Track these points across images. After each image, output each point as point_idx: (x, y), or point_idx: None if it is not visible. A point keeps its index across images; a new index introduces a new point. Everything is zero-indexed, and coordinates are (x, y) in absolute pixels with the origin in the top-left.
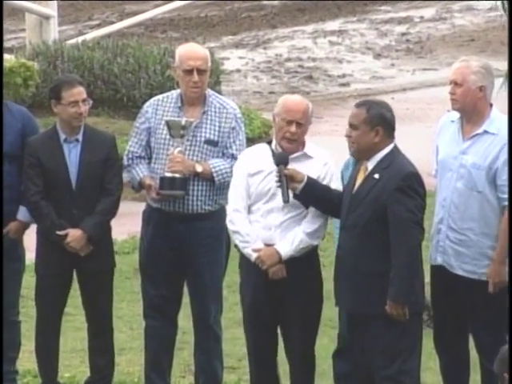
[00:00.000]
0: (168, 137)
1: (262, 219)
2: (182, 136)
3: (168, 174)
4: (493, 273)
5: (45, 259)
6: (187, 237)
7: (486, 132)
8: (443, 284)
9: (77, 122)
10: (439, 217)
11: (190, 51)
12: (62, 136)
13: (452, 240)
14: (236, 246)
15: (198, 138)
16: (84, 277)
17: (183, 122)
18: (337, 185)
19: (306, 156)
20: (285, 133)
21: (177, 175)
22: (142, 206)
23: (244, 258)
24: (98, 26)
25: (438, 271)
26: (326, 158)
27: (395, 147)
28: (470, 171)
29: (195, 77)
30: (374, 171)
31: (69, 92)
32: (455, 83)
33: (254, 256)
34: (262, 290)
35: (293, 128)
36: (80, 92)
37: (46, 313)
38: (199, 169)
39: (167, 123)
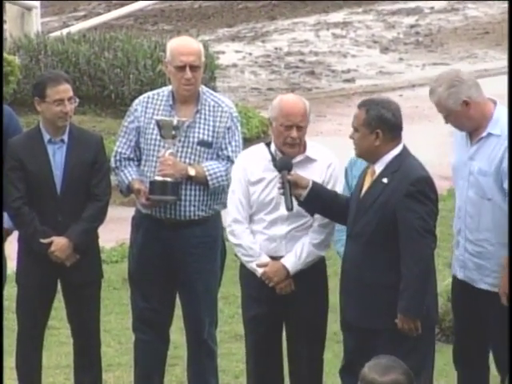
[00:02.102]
0: (158, 137)
1: (266, 231)
2: (174, 137)
3: (158, 178)
4: (504, 282)
5: (27, 268)
6: (179, 245)
7: (490, 134)
8: (466, 298)
9: (62, 121)
10: (457, 228)
11: (183, 46)
12: (46, 136)
13: (471, 252)
14: (236, 255)
15: (191, 139)
16: (69, 288)
17: (175, 122)
18: (341, 188)
19: (309, 159)
20: (285, 138)
21: (168, 179)
22: (131, 212)
23: (244, 268)
24: (84, 17)
25: (461, 286)
26: (330, 159)
27: (404, 149)
28: (477, 178)
29: (188, 73)
30: (382, 175)
31: (54, 89)
32: (443, 116)
33: (259, 272)
34: (265, 302)
35: (293, 133)
36: (66, 89)
37: (28, 326)
38: (192, 172)
39: (158, 123)
